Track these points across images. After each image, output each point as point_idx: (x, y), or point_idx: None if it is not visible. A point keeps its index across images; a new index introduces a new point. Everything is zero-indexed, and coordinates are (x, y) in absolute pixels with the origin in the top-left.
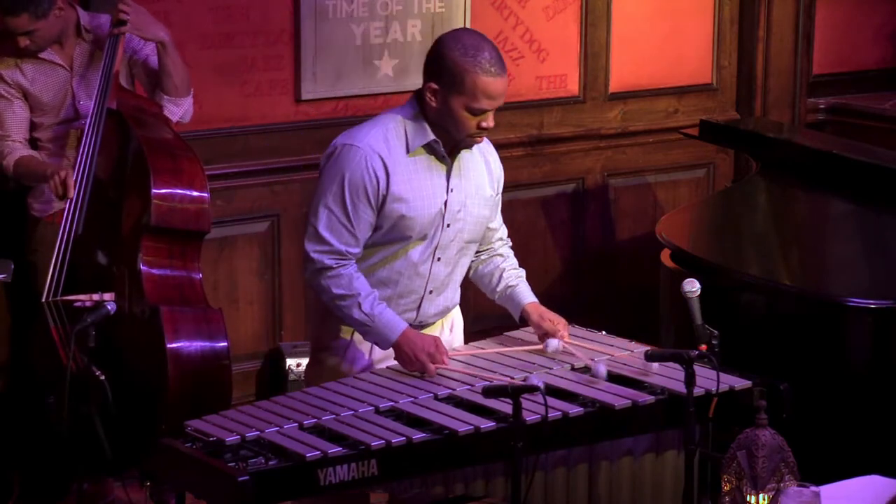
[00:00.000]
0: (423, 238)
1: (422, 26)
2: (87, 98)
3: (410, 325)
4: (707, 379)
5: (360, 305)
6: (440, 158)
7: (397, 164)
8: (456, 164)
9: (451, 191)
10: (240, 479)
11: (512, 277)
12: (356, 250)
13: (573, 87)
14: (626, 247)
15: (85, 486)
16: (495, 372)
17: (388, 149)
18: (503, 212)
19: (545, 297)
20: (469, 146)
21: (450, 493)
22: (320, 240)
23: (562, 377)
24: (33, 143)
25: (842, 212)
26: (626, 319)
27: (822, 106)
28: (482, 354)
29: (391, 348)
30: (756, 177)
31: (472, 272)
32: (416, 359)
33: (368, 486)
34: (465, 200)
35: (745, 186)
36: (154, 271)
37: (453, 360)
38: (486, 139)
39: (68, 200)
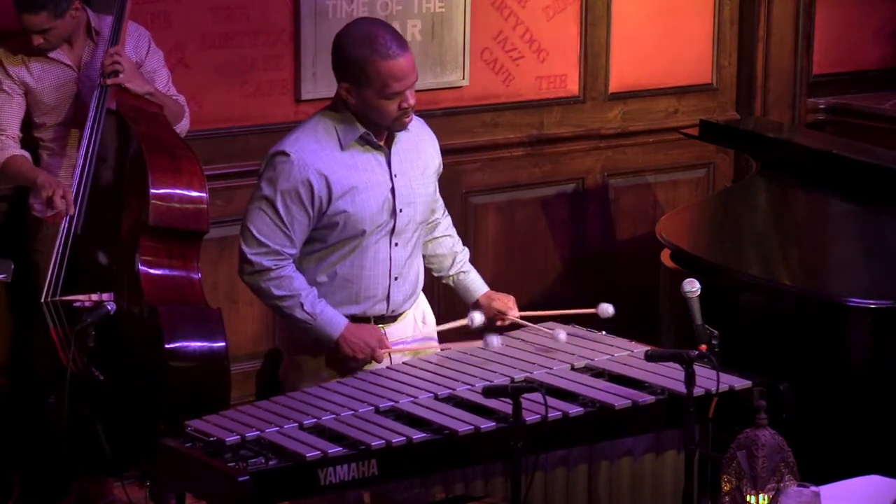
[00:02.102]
0: (378, 227)
1: (422, 26)
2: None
3: (383, 316)
4: (707, 379)
5: (301, 305)
6: (377, 148)
7: (334, 164)
8: (395, 148)
9: (396, 176)
10: (240, 479)
11: (464, 262)
12: (292, 251)
13: (573, 87)
14: (626, 247)
15: (85, 486)
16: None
17: (320, 151)
18: (501, 211)
19: (545, 297)
20: (402, 128)
21: (449, 493)
22: (256, 242)
23: (562, 377)
24: (35, 142)
25: (842, 212)
26: (626, 319)
27: (822, 106)
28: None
29: (335, 344)
30: (756, 177)
31: (423, 249)
32: (366, 345)
33: (368, 486)
34: (411, 182)
35: (745, 186)
36: (153, 271)
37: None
38: (418, 120)
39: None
